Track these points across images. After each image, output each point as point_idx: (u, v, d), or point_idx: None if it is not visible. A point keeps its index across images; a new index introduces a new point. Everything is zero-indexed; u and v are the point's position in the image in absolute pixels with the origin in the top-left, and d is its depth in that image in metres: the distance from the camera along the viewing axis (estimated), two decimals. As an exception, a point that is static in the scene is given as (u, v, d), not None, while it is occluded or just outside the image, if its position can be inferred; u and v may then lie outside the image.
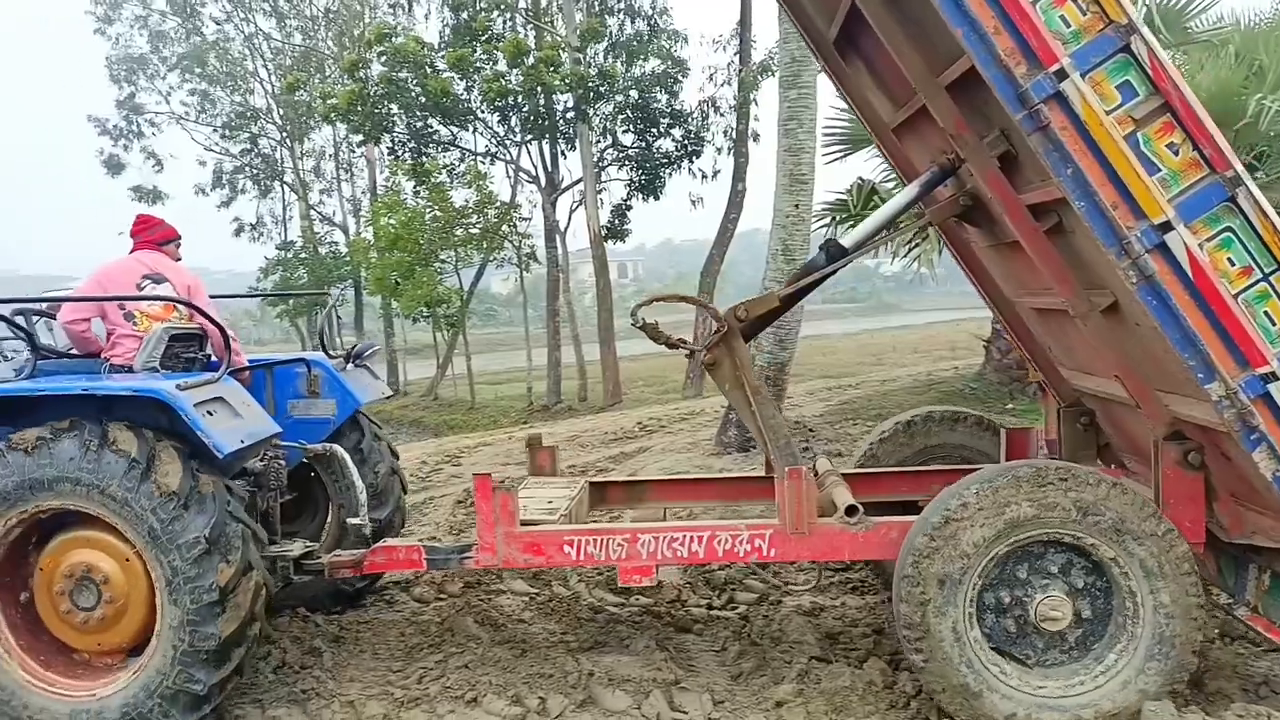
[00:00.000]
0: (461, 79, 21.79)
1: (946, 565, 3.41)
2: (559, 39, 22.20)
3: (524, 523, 4.01)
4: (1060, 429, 4.60)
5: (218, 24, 33.14)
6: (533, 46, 21.70)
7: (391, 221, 23.49)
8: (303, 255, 33.83)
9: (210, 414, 3.60)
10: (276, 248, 35.21)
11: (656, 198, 22.94)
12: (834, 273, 4.26)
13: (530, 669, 4.14)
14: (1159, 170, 2.98)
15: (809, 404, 12.40)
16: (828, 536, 3.76)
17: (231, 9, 32.82)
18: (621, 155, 23.13)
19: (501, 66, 21.74)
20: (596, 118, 22.25)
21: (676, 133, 22.27)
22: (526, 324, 28.69)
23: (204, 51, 32.92)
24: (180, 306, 4.50)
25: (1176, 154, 2.97)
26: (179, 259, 4.89)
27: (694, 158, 22.49)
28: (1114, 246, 3.00)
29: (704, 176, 23.08)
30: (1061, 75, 2.95)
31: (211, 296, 4.95)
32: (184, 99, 33.66)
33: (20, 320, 4.47)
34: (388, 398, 5.62)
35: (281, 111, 33.67)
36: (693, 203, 24.02)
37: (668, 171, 22.69)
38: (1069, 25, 2.96)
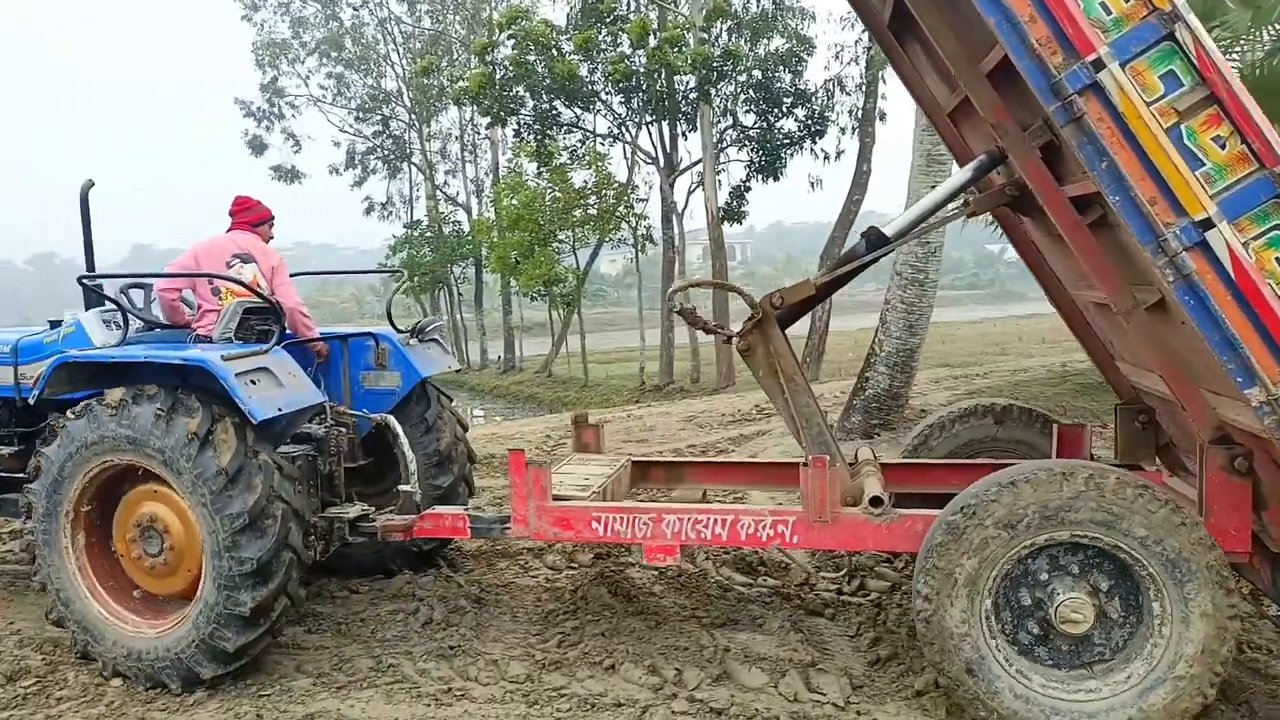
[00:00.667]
0: (586, 61, 22.01)
1: (963, 563, 3.32)
2: (684, 18, 22.12)
3: (556, 497, 4.12)
4: (1117, 427, 4.43)
5: (353, 9, 34.53)
6: (656, 27, 21.70)
7: (513, 202, 24.08)
8: (427, 234, 35.01)
9: (253, 383, 3.81)
10: (404, 226, 36.57)
11: (776, 179, 22.65)
12: (873, 262, 4.18)
13: (665, 641, 4.20)
14: (1203, 165, 2.82)
15: (934, 392, 12.06)
16: (851, 526, 3.73)
17: (368, -6, 34.13)
18: (742, 136, 22.91)
19: (626, 48, 21.85)
20: (718, 98, 22.10)
21: (800, 112, 21.88)
22: (641, 304, 28.90)
23: (340, 36, 34.36)
24: (262, 284, 4.81)
25: (1223, 148, 2.81)
26: (270, 238, 5.22)
27: (817, 138, 22.08)
28: (1150, 243, 2.89)
29: (826, 157, 22.67)
30: (1099, 65, 2.84)
31: (291, 275, 5.25)
32: (321, 82, 35.34)
33: (118, 294, 4.85)
34: (456, 371, 5.80)
35: (411, 94, 34.83)
36: (811, 184, 23.64)
37: (789, 152, 22.36)
38: (1109, 13, 2.85)
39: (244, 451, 3.78)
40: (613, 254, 38.76)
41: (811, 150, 22.36)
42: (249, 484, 3.74)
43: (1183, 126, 2.84)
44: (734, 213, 23.47)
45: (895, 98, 32.93)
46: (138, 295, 5.23)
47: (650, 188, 26.34)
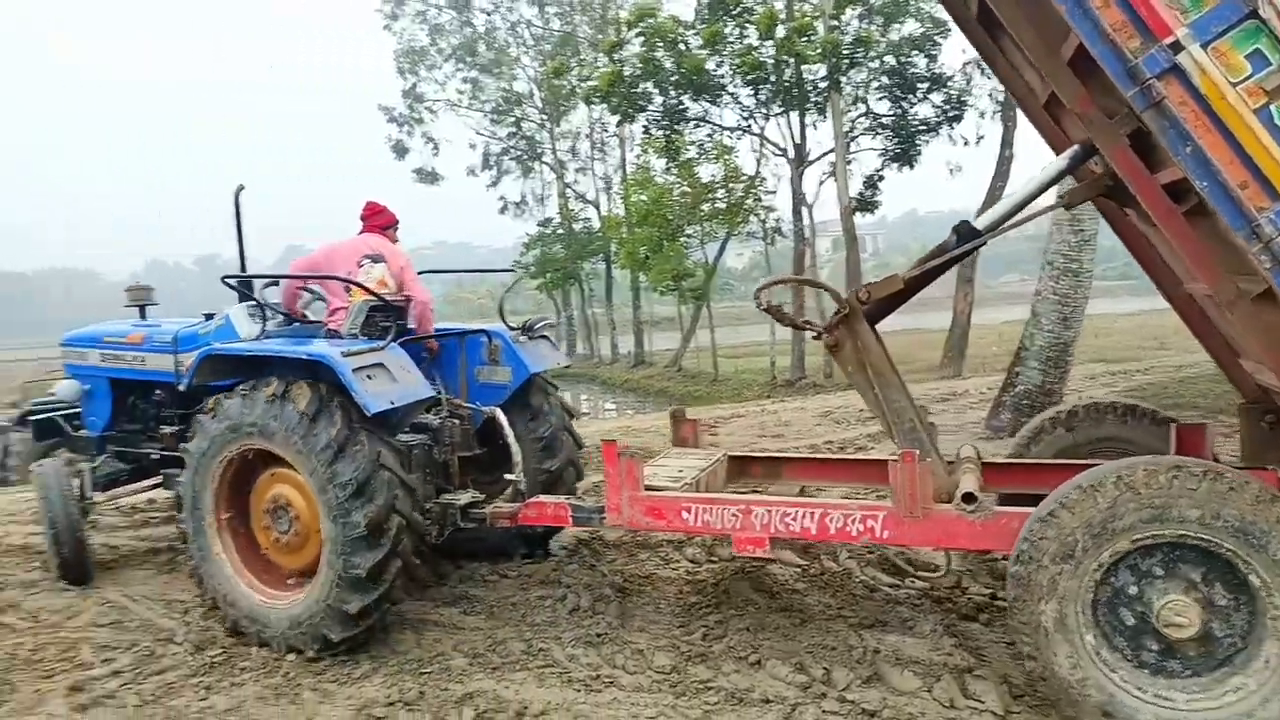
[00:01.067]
0: (713, 54, 21.95)
1: (1057, 561, 3.17)
2: (813, 6, 21.73)
3: (648, 488, 4.17)
4: (1242, 427, 4.13)
5: (486, 14, 35.63)
6: (784, 17, 21.41)
7: (642, 198, 24.30)
8: (559, 231, 35.80)
9: (369, 377, 4.05)
10: (537, 224, 37.55)
11: (911, 166, 21.99)
12: (965, 255, 4.05)
13: (812, 639, 4.14)
14: None
15: (1089, 389, 11.43)
16: (943, 523, 3.62)
17: (498, -1, 35.15)
18: (875, 123, 22.35)
19: (753, 39, 21.65)
20: (849, 86, 21.64)
21: (936, 97, 21.17)
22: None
23: (474, 41, 35.52)
24: (390, 282, 5.12)
25: None
26: (396, 241, 5.50)
27: (954, 123, 21.30)
28: (1243, 229, 2.74)
29: (965, 142, 21.82)
30: (1177, 48, 2.74)
31: (419, 273, 5.50)
32: (458, 87, 36.64)
33: (260, 292, 5.17)
34: (565, 367, 5.90)
35: (542, 95, 35.67)
36: (950, 171, 22.80)
37: (925, 139, 21.66)
38: None
39: (349, 426, 4.04)
40: (740, 248, 38.55)
41: (949, 136, 21.60)
42: (355, 455, 4.00)
43: (1272, 107, 2.71)
44: (866, 202, 22.93)
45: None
46: (277, 292, 5.61)
47: (779, 180, 26.11)
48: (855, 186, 22.53)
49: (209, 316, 5.49)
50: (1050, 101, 4.17)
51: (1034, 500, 3.44)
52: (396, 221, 5.52)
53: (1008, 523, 3.50)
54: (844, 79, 21.16)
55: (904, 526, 3.67)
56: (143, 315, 6.06)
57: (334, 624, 4.08)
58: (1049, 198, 4.23)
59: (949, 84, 21.05)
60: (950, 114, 21.18)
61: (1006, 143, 19.41)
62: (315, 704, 3.77)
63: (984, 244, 4.09)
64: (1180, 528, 3.07)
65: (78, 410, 6.05)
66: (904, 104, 21.55)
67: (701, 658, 4.05)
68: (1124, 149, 3.25)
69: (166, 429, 5.44)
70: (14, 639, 4.55)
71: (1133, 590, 3.20)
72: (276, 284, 5.53)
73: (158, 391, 5.62)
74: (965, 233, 4.01)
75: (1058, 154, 4.02)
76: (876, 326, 4.19)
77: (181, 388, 4.81)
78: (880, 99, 21.98)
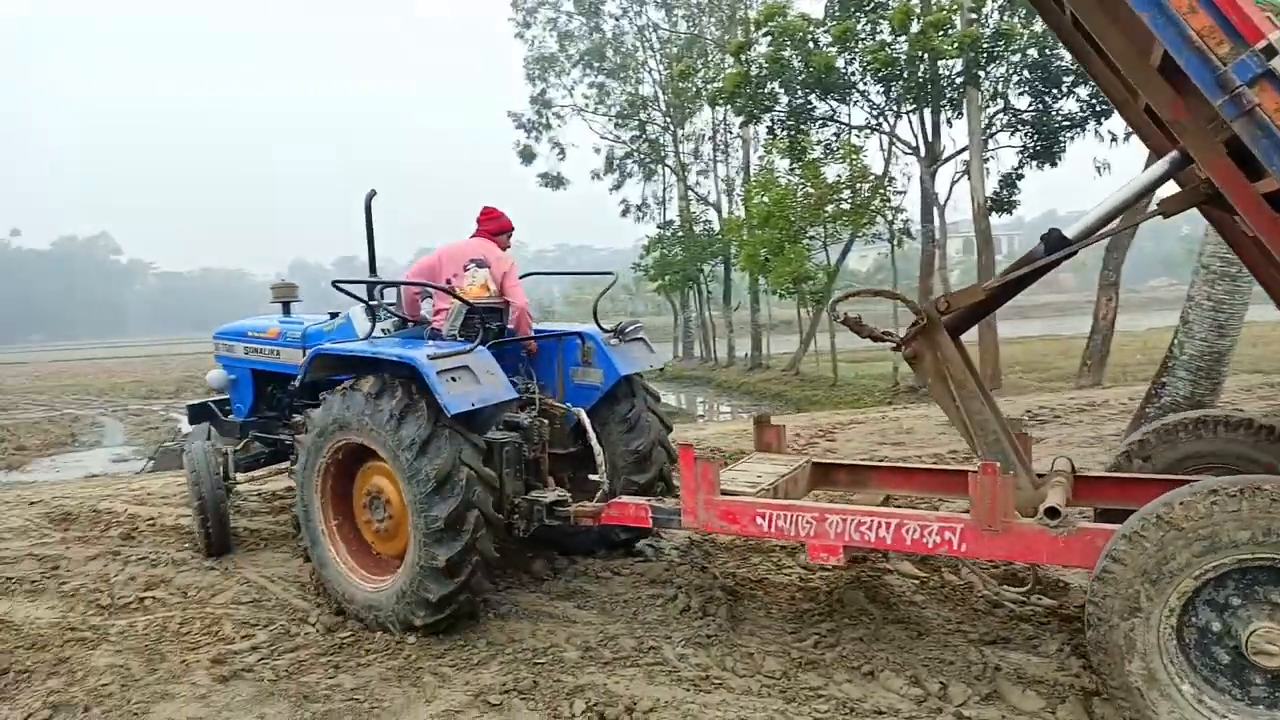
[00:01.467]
0: (844, 52, 21.53)
1: (1139, 583, 2.97)
2: (950, 0, 21.00)
3: (724, 492, 4.16)
4: None
5: (615, 19, 36.10)
6: (919, 11, 20.78)
7: (764, 199, 24.05)
8: (679, 234, 35.89)
9: (453, 380, 4.20)
10: (657, 227, 37.76)
11: (1054, 164, 20.91)
12: (1054, 265, 3.83)
13: (928, 653, 4.03)
14: None
15: (1245, 402, 10.62)
16: (1024, 537, 3.47)
17: (627, 3, 35.53)
18: (1014, 120, 21.38)
19: (886, 35, 21.12)
20: (988, 81, 20.79)
21: (1082, 91, 20.01)
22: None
23: (602, 46, 36.06)
24: (491, 286, 5.31)
25: None
26: (507, 247, 5.66)
27: (1102, 119, 20.10)
28: None
29: (1113, 139, 20.57)
30: (1271, 52, 2.60)
31: (528, 274, 5.68)
32: (585, 92, 37.31)
33: (378, 294, 5.43)
34: (660, 370, 5.91)
35: (667, 98, 35.87)
36: (1098, 169, 21.53)
37: (1069, 135, 20.56)
38: None
39: (433, 424, 4.20)
40: (864, 250, 37.67)
41: (1095, 132, 20.41)
42: (437, 452, 4.16)
43: None
44: (1003, 203, 21.98)
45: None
46: (394, 294, 5.86)
47: (909, 179, 25.35)
48: (991, 186, 21.66)
49: (334, 315, 5.82)
50: (1149, 107, 3.97)
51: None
52: (510, 229, 5.70)
53: (1092, 539, 3.32)
54: (982, 74, 20.35)
55: (982, 540, 3.54)
56: (286, 311, 6.47)
57: (417, 609, 4.31)
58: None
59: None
60: (1097, 109, 20.01)
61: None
62: (435, 687, 3.91)
63: (1074, 254, 3.89)
64: (1236, 553, 2.87)
65: (226, 398, 6.55)
66: (1046, 99, 20.52)
67: (813, 665, 3.99)
68: (1220, 157, 3.08)
69: (298, 417, 5.79)
70: (164, 613, 4.92)
71: (1217, 626, 2.98)
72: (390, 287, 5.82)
73: (291, 383, 6.01)
74: (1055, 241, 3.85)
75: (1159, 155, 3.80)
76: (956, 335, 4.09)
77: (294, 384, 5.11)
78: (1021, 94, 21.01)
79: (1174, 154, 3.62)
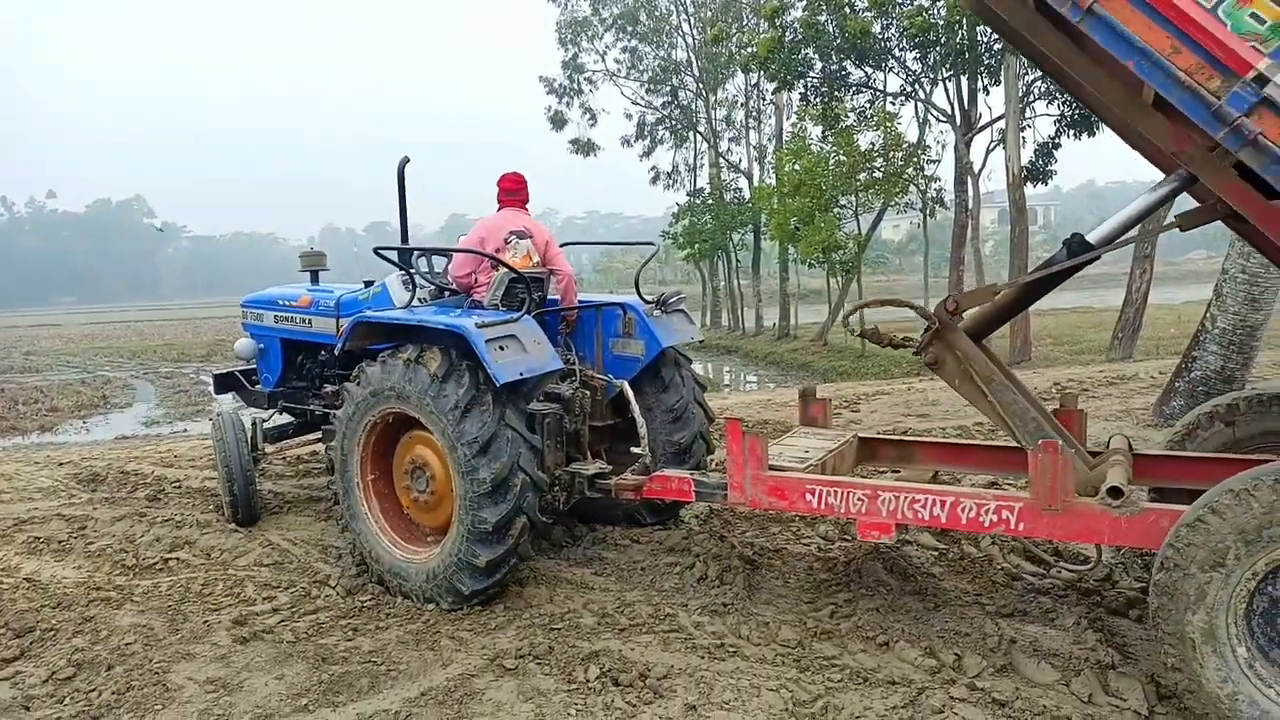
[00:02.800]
0: (880, 17, 21.10)
1: (1205, 570, 2.91)
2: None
3: (772, 467, 4.10)
4: None
5: (650, -20, 35.55)
6: (957, -25, 20.27)
7: (796, 167, 23.75)
8: (709, 202, 35.60)
9: (501, 348, 4.18)
10: (687, 195, 37.47)
11: (1092, 134, 20.39)
12: (1076, 270, 3.76)
13: (944, 624, 4.01)
14: None
15: (1278, 376, 10.38)
16: (1085, 517, 3.39)
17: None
18: (1052, 88, 20.86)
19: (923, 1, 20.64)
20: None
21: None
22: (927, 271, 27.54)
23: (635, 9, 35.59)
24: (535, 256, 5.22)
25: None
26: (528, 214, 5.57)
27: (1142, 87, 19.56)
28: None
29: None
30: (1262, 80, 2.63)
31: (563, 245, 5.59)
32: (617, 57, 36.89)
33: (415, 261, 5.36)
34: (700, 342, 5.82)
35: (700, 63, 35.41)
36: (1135, 139, 20.93)
37: (1108, 104, 20.00)
38: (1263, 21, 2.64)
39: (476, 387, 4.18)
40: (896, 219, 37.20)
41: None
42: (480, 414, 4.15)
43: None
44: (1039, 172, 21.49)
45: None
46: (437, 262, 5.81)
47: (943, 147, 24.85)
48: (1027, 155, 21.19)
49: (368, 284, 5.81)
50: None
51: (1191, 496, 3.17)
52: (529, 197, 5.61)
53: (1156, 520, 3.25)
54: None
55: (1041, 519, 3.46)
56: (315, 280, 6.49)
57: (465, 576, 4.27)
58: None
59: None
60: (1137, 76, 19.46)
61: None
62: (452, 651, 3.94)
63: (1097, 259, 3.83)
64: None
65: (254, 367, 6.59)
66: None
67: (828, 635, 3.98)
68: (1232, 181, 3.01)
69: (329, 387, 5.82)
70: (188, 573, 5.01)
71: None
72: (431, 255, 5.79)
73: (323, 352, 6.02)
74: (1078, 246, 3.80)
75: (1167, 173, 3.67)
76: (979, 340, 4.03)
77: (336, 351, 5.12)
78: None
79: (1175, 177, 3.55)
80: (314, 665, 3.84)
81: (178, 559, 5.23)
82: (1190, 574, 2.96)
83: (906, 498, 3.72)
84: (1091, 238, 3.78)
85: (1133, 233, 3.75)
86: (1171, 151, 3.22)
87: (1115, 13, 2.84)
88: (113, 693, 3.66)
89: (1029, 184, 21.47)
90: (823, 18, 21.38)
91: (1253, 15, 2.67)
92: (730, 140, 37.79)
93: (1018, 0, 3.37)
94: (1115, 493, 3.34)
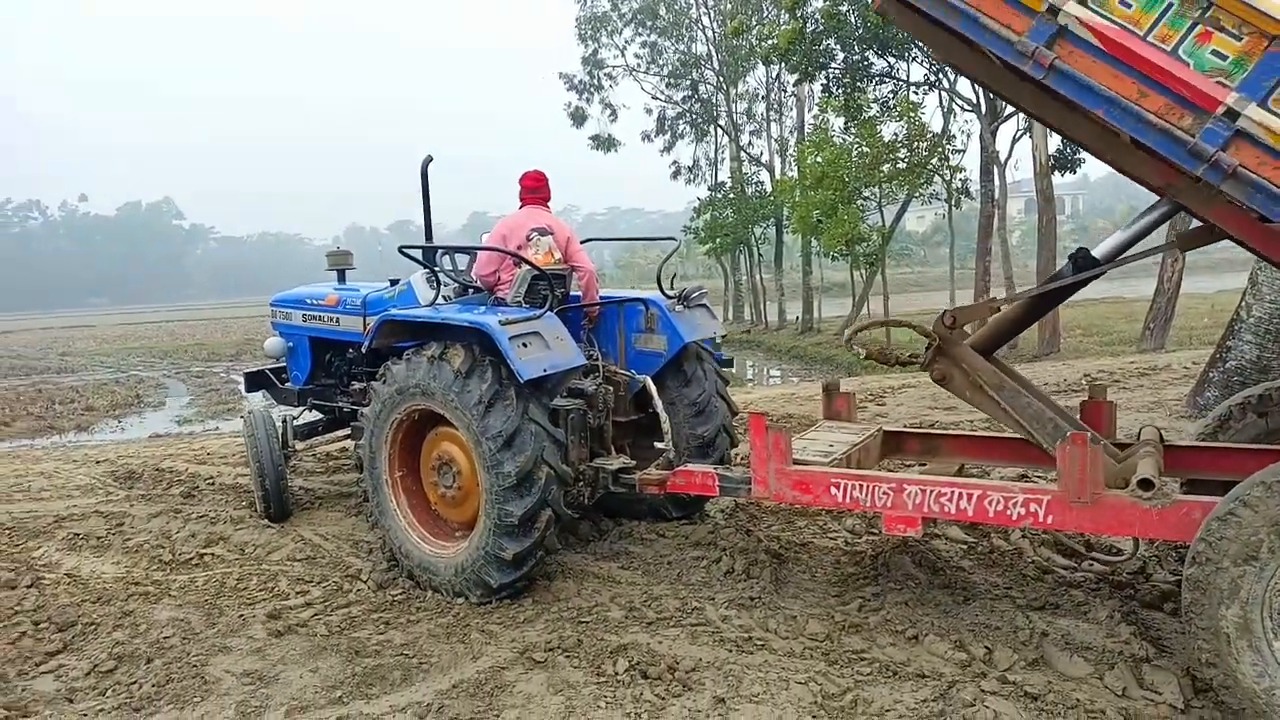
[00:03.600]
0: (901, 6, 20.88)
1: (1239, 564, 2.88)
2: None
3: (796, 462, 4.09)
4: None
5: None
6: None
7: (818, 159, 23.61)
8: (730, 195, 35.49)
9: (524, 345, 4.20)
10: (708, 189, 37.36)
11: (1119, 122, 20.11)
12: (1081, 286, 3.78)
13: (974, 618, 3.99)
14: None
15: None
16: (1115, 509, 3.35)
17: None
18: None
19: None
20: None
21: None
22: (953, 262, 27.29)
23: (655, 4, 35.53)
24: (557, 253, 5.24)
25: None
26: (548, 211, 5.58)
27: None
28: None
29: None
30: (1233, 114, 2.67)
31: (584, 241, 5.60)
32: (637, 52, 36.87)
33: (440, 259, 5.43)
34: (723, 337, 5.84)
35: (720, 57, 35.29)
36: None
37: (1136, 90, 19.72)
38: (1225, 57, 2.71)
39: (498, 384, 4.21)
40: (921, 210, 36.95)
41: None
42: (504, 409, 4.19)
43: None
44: (1067, 161, 21.24)
45: None
46: (460, 260, 5.84)
47: (969, 137, 24.64)
48: (1054, 143, 20.93)
49: (394, 282, 5.86)
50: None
51: (1224, 487, 3.13)
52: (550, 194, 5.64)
53: (1188, 512, 3.20)
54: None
55: (1070, 512, 3.42)
56: (341, 279, 6.56)
57: (493, 570, 4.31)
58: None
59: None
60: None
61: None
62: (482, 644, 3.98)
63: (1101, 274, 3.84)
64: None
65: (284, 365, 6.67)
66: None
67: (856, 628, 3.98)
68: (1223, 207, 3.01)
69: (357, 385, 5.89)
70: (223, 569, 5.09)
71: None
72: (456, 253, 5.82)
73: (350, 350, 6.09)
74: (1083, 261, 3.82)
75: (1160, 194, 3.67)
76: (988, 355, 4.05)
77: (363, 349, 5.17)
78: (1085, 47, 20.20)
79: (1166, 201, 3.56)
80: (347, 658, 3.90)
81: (213, 554, 5.32)
82: (1223, 568, 2.93)
83: (933, 491, 3.70)
84: (1096, 253, 3.81)
85: (1137, 249, 3.75)
86: (1159, 188, 3.27)
87: (1077, 66, 2.93)
88: (153, 685, 3.74)
89: (1056, 173, 21.23)
90: (844, 8, 21.25)
91: (1214, 52, 2.74)
92: (751, 133, 37.68)
93: (985, 59, 3.38)
94: (1146, 484, 3.30)
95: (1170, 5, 2.77)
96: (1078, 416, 4.28)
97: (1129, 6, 2.84)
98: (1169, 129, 2.78)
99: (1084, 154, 21.10)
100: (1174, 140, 2.78)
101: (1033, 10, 2.98)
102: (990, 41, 3.11)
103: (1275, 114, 2.65)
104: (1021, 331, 4.25)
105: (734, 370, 24.98)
